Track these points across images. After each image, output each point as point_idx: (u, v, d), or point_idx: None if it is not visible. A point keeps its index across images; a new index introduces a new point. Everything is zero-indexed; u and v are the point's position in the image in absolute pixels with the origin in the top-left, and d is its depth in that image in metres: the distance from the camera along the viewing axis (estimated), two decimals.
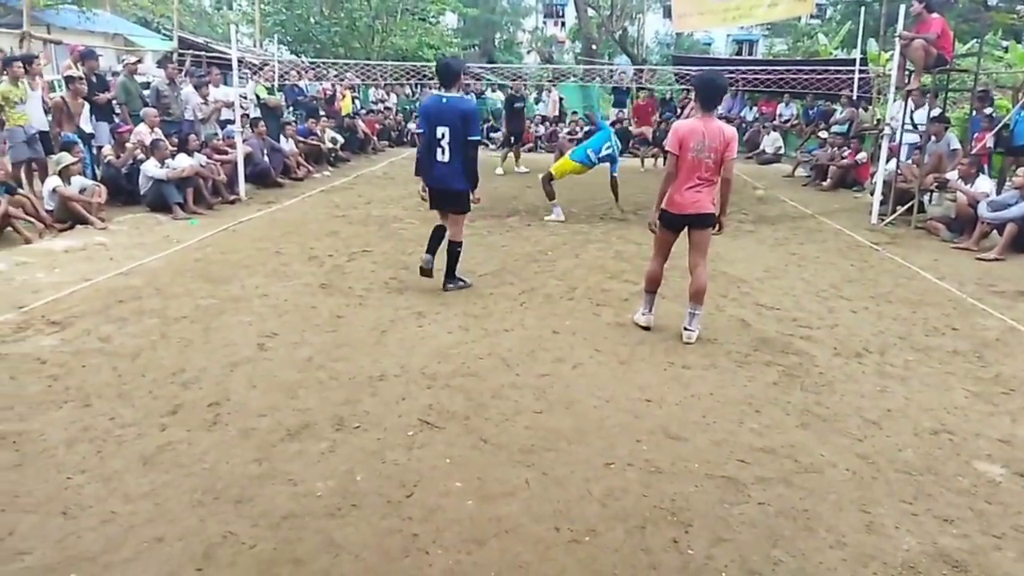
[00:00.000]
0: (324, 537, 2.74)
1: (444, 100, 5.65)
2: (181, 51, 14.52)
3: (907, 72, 8.96)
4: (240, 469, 3.20)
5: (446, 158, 5.63)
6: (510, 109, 14.24)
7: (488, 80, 23.11)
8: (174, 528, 2.79)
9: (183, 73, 12.65)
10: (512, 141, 14.37)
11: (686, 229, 4.89)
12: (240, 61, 11.92)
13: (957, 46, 14.21)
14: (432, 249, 5.97)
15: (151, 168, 8.82)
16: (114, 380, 4.12)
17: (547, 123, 19.79)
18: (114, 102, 10.18)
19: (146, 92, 11.24)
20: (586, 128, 18.56)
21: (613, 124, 18.56)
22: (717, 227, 4.88)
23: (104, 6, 27.14)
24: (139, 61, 11.69)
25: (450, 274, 6.03)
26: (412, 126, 19.33)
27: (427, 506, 2.96)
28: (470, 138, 5.63)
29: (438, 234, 5.97)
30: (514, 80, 16.29)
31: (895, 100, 9.46)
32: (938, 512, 3.00)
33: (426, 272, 5.92)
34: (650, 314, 5.15)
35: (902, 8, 8.84)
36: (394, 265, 6.81)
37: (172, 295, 5.66)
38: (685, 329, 4.91)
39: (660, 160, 14.36)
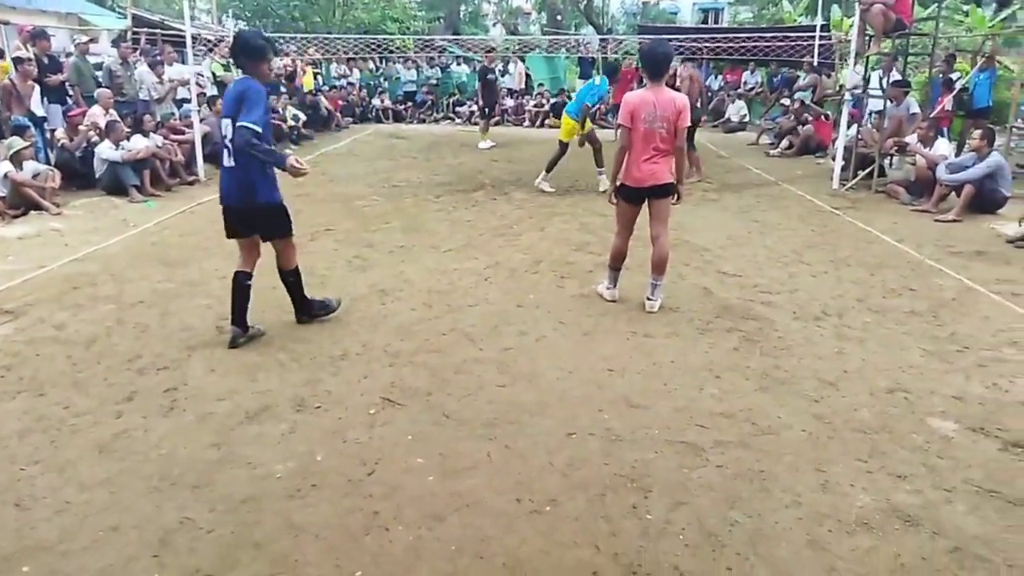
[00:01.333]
0: (284, 519, 2.72)
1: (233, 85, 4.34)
2: (136, 29, 14.12)
3: (867, 37, 9.00)
4: (197, 454, 3.16)
5: (231, 162, 4.19)
6: (484, 81, 14.12)
7: (453, 52, 22.83)
8: (130, 516, 2.75)
9: (137, 52, 12.33)
10: (487, 113, 14.25)
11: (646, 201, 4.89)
12: (195, 38, 11.62)
13: (918, 10, 14.30)
14: (240, 315, 4.33)
15: (106, 150, 8.61)
16: (68, 368, 4.03)
17: (514, 95, 19.63)
18: (67, 84, 9.89)
19: (99, 73, 10.94)
20: (552, 100, 18.50)
21: (558, 94, 18.51)
22: (676, 197, 4.87)
23: None
24: (91, 41, 11.34)
25: (301, 305, 4.69)
26: (376, 102, 19.10)
27: (388, 483, 2.95)
28: (240, 124, 3.96)
29: (242, 290, 4.31)
30: (487, 53, 16.14)
31: (855, 65, 9.50)
32: (892, 469, 3.07)
33: (237, 345, 4.29)
34: (614, 288, 5.15)
35: None
36: (356, 243, 6.74)
37: (128, 280, 5.55)
38: (648, 299, 4.93)
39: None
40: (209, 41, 13.84)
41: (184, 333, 4.52)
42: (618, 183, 4.89)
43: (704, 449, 3.21)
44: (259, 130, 3.98)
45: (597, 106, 9.39)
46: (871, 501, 2.84)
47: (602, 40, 19.99)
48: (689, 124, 4.74)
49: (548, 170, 9.41)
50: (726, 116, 17.04)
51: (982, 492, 2.90)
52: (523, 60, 21.08)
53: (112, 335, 4.52)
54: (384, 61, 20.72)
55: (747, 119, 16.71)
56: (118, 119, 9.15)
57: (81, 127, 9.13)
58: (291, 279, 4.61)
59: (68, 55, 11.93)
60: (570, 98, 18.42)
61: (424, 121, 18.99)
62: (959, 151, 9.77)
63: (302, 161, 4.26)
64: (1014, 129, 10.25)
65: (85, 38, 11.11)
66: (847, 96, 9.09)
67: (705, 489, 2.91)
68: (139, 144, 8.81)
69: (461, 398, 3.70)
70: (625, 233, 5.01)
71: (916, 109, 9.49)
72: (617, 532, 2.66)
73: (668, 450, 3.21)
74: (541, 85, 19.76)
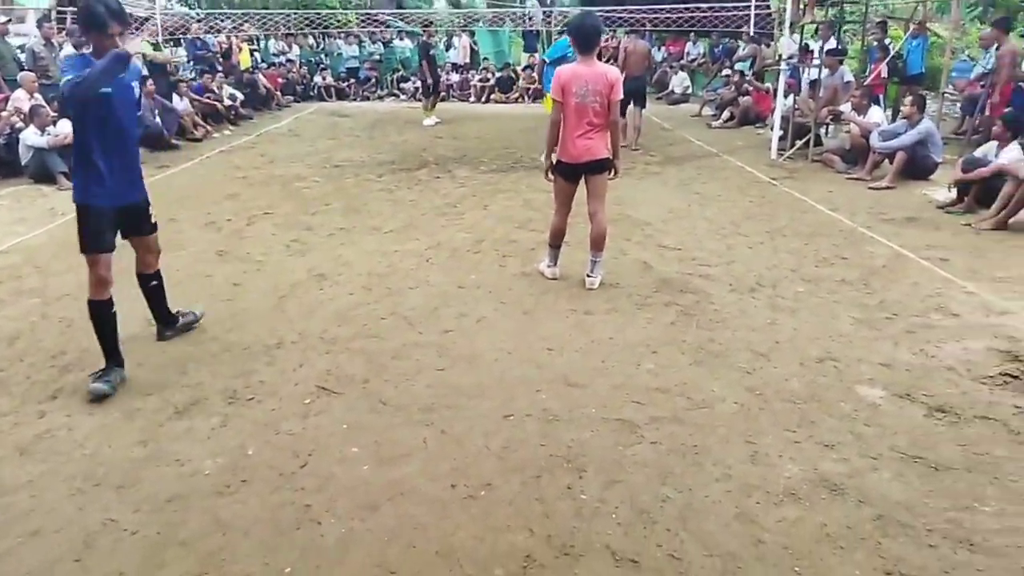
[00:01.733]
0: (212, 516, 2.66)
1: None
2: (60, 9, 13.47)
3: (802, 6, 9.09)
4: (123, 452, 3.06)
5: (117, 153, 3.61)
6: (427, 57, 13.81)
7: (396, 27, 22.39)
8: (52, 519, 2.66)
9: (63, 33, 11.78)
10: (432, 89, 13.98)
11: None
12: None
13: None
14: (112, 358, 3.66)
15: (31, 136, 8.26)
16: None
17: (459, 70, 19.38)
18: None
19: (23, 55, 10.43)
20: (498, 75, 18.33)
21: (525, 68, 18.38)
22: (613, 172, 4.87)
23: None
24: (8, 21, 10.79)
25: (165, 317, 4.14)
26: (318, 79, 18.67)
27: (321, 475, 2.91)
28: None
29: (104, 315, 3.72)
30: (426, 27, 15.85)
31: (791, 35, 9.61)
32: (820, 438, 3.14)
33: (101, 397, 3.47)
34: (555, 267, 5.14)
35: None
36: (295, 226, 6.60)
37: (54, 272, 5.34)
38: (587, 276, 4.94)
39: None
40: (139, 19, 13.29)
41: None
42: (554, 159, 4.85)
43: (639, 426, 3.24)
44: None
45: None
46: (799, 471, 2.90)
47: (546, 12, 19.81)
48: (622, 96, 4.70)
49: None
50: (669, 88, 17.12)
51: (906, 458, 2.98)
52: (471, 34, 20.81)
53: (36, 331, 4.35)
54: (325, 37, 20.22)
55: (690, 91, 16.83)
56: (43, 103, 8.76)
57: (3, 113, 8.71)
58: (156, 282, 4.13)
59: None
60: (516, 73, 18.41)
61: (368, 98, 18.66)
62: (894, 118, 9.98)
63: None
64: (945, 95, 10.50)
65: (3, 18, 10.54)
66: (783, 66, 9.19)
67: (639, 466, 2.94)
68: (65, 129, 8.43)
69: (399, 384, 3.66)
70: (564, 210, 4.97)
71: (850, 77, 9.65)
72: (551, 514, 2.67)
73: (604, 428, 3.23)
74: (486, 59, 19.56)
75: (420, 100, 14.70)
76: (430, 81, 13.78)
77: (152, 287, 4.13)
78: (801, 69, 9.83)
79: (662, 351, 3.99)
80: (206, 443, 3.14)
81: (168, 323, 4.21)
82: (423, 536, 2.56)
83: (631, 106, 10.08)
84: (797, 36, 9.96)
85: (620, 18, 17.47)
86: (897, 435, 3.15)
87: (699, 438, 3.14)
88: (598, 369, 3.79)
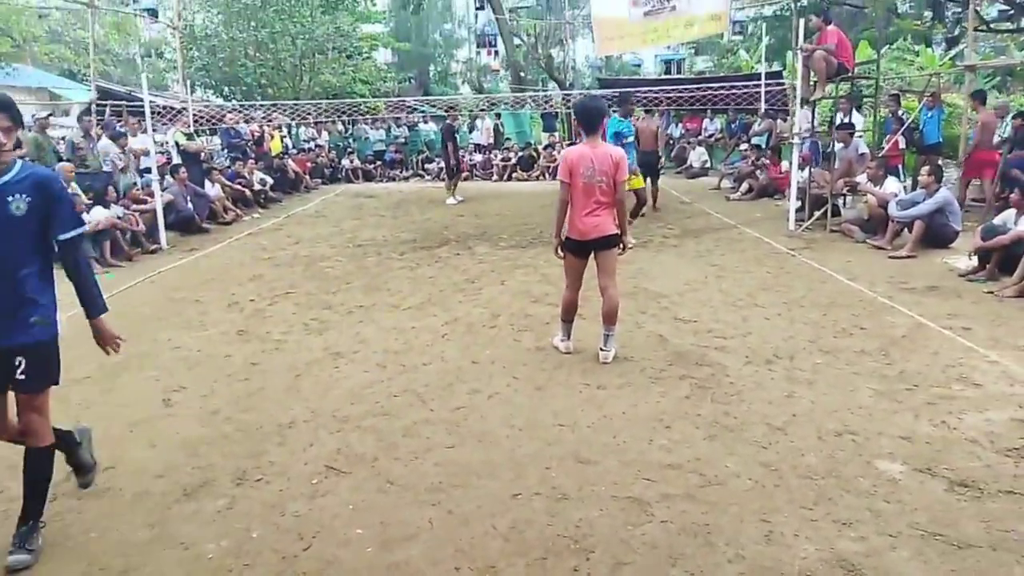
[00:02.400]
0: None
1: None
2: (100, 102, 14.21)
3: (812, 82, 9.26)
4: (130, 536, 3.06)
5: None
6: (451, 139, 14.40)
7: (422, 111, 23.19)
8: None
9: (100, 125, 12.39)
10: (455, 170, 14.46)
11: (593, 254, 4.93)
12: (157, 109, 11.73)
13: (869, 53, 14.82)
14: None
15: None
16: (5, 451, 3.89)
17: (482, 151, 19.91)
18: (26, 159, 9.87)
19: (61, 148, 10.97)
20: (519, 153, 18.79)
21: (546, 148, 18.84)
22: (621, 248, 4.94)
23: (25, 60, 26.54)
24: (50, 115, 11.40)
25: (31, 517, 2.97)
26: (345, 162, 19.27)
27: (324, 558, 2.87)
28: (60, 238, 2.98)
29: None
30: (449, 110, 16.56)
31: (802, 109, 9.76)
32: (837, 516, 3.03)
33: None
34: (568, 341, 5.15)
35: (801, 22, 9.16)
36: (316, 305, 6.70)
37: (75, 356, 5.42)
38: (601, 350, 4.93)
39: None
40: (172, 110, 13.95)
41: (128, 408, 4.42)
42: (563, 237, 4.93)
43: (650, 504, 3.16)
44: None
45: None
46: (815, 551, 2.80)
47: (565, 95, 20.40)
48: (626, 176, 4.88)
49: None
50: (688, 162, 17.37)
51: (927, 536, 2.87)
52: (499, 116, 21.47)
53: (54, 414, 4.39)
54: (352, 123, 20.98)
55: (708, 164, 17.05)
56: (78, 192, 9.14)
57: None
58: (44, 465, 3.06)
59: (30, 129, 11.97)
60: (536, 152, 18.84)
61: (394, 179, 19.15)
62: (914, 186, 9.98)
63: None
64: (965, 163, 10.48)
65: (44, 113, 11.14)
66: (795, 140, 9.30)
67: (648, 547, 2.86)
68: (98, 215, 8.78)
69: (408, 462, 3.63)
70: (574, 286, 5.03)
71: (864, 149, 9.73)
72: None
73: (614, 507, 3.16)
74: (508, 139, 20.10)
75: (443, 180, 15.10)
76: (453, 163, 14.21)
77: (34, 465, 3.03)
78: (817, 142, 9.96)
79: (675, 426, 3.92)
80: (212, 525, 3.12)
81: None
82: None
83: (647, 179, 10.82)
84: (808, 111, 10.11)
85: (640, 98, 17.94)
86: (917, 511, 3.04)
87: (711, 517, 3.05)
88: (609, 445, 3.73)
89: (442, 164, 19.36)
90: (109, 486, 3.49)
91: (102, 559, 2.91)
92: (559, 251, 5.01)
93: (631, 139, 8.89)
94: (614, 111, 9.26)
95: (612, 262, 4.92)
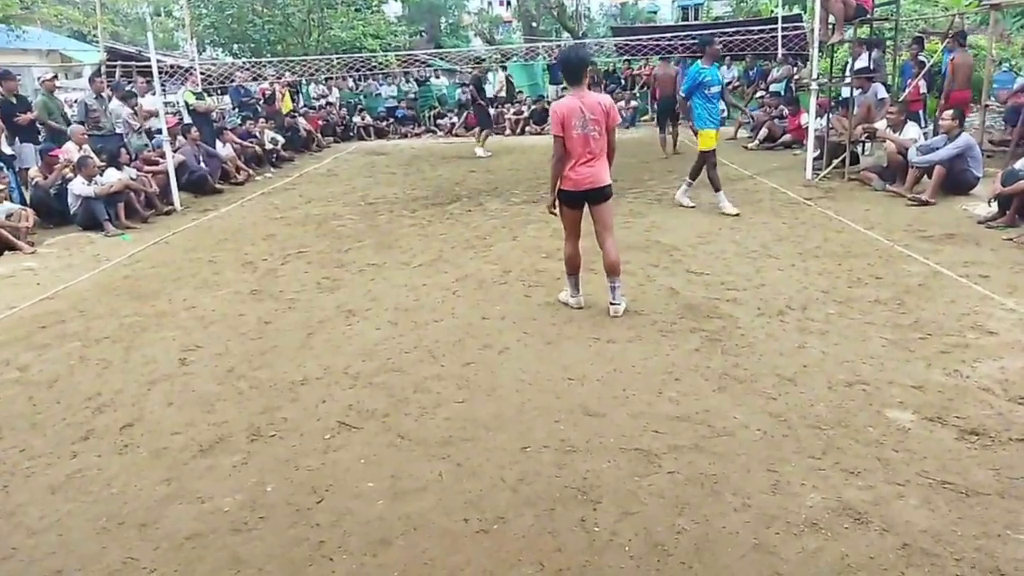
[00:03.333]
0: (228, 553, 2.70)
1: None
2: (110, 63, 14.16)
3: (830, 26, 9.00)
4: (148, 491, 3.14)
5: None
6: (480, 91, 14.52)
7: (435, 65, 22.89)
8: (75, 558, 2.73)
9: (111, 87, 12.35)
10: (487, 123, 14.64)
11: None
12: (166, 68, 11.65)
13: None
14: None
15: (78, 186, 8.61)
16: (28, 410, 4.01)
17: (494, 104, 19.65)
18: (37, 122, 9.90)
19: (75, 108, 10.96)
20: (532, 106, 18.53)
21: (537, 101, 18.64)
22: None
23: (34, 22, 26.38)
24: (55, 77, 11.36)
25: None
26: (357, 119, 19.13)
27: (337, 511, 2.93)
28: None
29: None
30: (478, 63, 16.65)
31: (820, 55, 9.50)
32: (845, 465, 3.04)
33: None
34: (579, 295, 5.12)
35: None
36: (328, 264, 6.72)
37: (96, 316, 5.54)
38: (611, 304, 4.92)
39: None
40: (181, 69, 13.86)
41: (146, 367, 4.49)
42: (558, 190, 4.85)
43: (657, 455, 3.18)
44: None
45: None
46: (821, 500, 2.81)
47: (571, 45, 20.01)
48: (619, 121, 4.94)
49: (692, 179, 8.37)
50: None
51: (935, 484, 2.87)
52: (504, 68, 21.15)
53: (74, 373, 4.50)
54: (363, 78, 20.75)
55: (725, 113, 16.69)
56: (90, 154, 9.16)
57: (56, 165, 9.13)
58: None
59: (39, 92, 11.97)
60: (549, 104, 18.56)
61: (406, 136, 19.01)
62: (935, 132, 9.76)
63: None
64: (987, 107, 10.22)
65: (49, 74, 11.10)
66: (813, 85, 9.08)
67: (655, 497, 2.89)
68: (111, 178, 8.81)
69: (418, 417, 3.68)
70: (573, 238, 4.98)
71: (884, 94, 9.48)
72: (563, 547, 2.63)
73: (621, 458, 3.18)
74: (520, 92, 19.82)
75: (457, 135, 15.15)
76: (481, 115, 14.55)
77: None
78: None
79: (685, 378, 3.93)
80: (227, 480, 3.19)
81: None
82: (433, 571, 2.55)
83: (667, 123, 12.38)
84: (826, 57, 9.83)
85: (654, 46, 17.58)
86: (926, 460, 3.03)
87: (719, 467, 3.07)
88: (618, 398, 3.75)
89: (454, 120, 19.28)
90: (127, 443, 3.56)
91: (122, 512, 2.99)
92: (553, 207, 4.95)
93: (717, 89, 7.70)
94: (697, 56, 8.36)
95: (607, 214, 4.87)
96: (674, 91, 12.13)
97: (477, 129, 14.60)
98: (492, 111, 19.15)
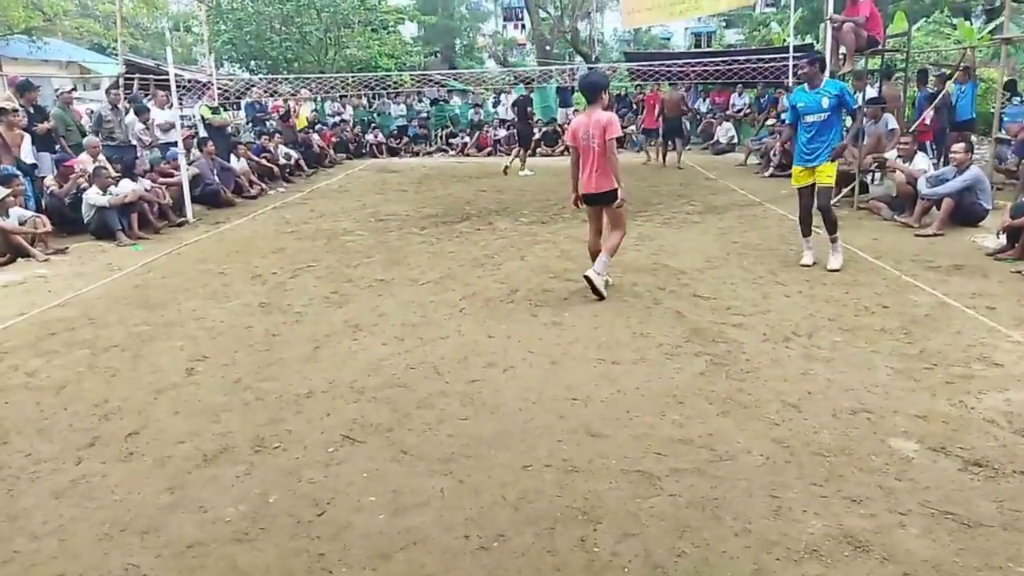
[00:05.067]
0: (228, 563, 2.71)
1: None
2: (128, 75, 14.35)
3: (841, 56, 9.07)
4: (151, 499, 3.15)
5: None
6: (522, 113, 15.37)
7: (449, 86, 23.11)
8: (76, 564, 2.74)
9: (128, 99, 12.53)
10: (526, 142, 15.21)
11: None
12: (183, 82, 11.80)
13: (906, 25, 14.43)
14: None
15: (93, 196, 8.72)
16: (35, 415, 4.05)
17: (506, 126, 19.81)
18: (53, 132, 10.05)
19: (87, 121, 11.12)
20: (544, 128, 18.66)
21: (562, 126, 18.81)
22: (621, 202, 5.68)
23: (56, 34, 26.83)
24: (73, 90, 11.54)
25: None
26: (370, 137, 19.31)
27: (338, 523, 2.94)
28: None
29: None
30: (527, 83, 17.27)
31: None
32: (847, 492, 3.03)
33: None
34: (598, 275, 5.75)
35: None
36: (337, 279, 6.76)
37: (105, 324, 5.59)
38: (594, 270, 5.66)
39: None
40: (199, 84, 14.04)
41: (153, 376, 4.53)
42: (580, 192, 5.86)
43: (659, 478, 3.18)
44: None
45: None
46: (823, 527, 2.80)
47: (590, 68, 20.17)
48: (618, 135, 5.65)
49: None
50: (715, 138, 17.14)
51: (937, 514, 2.86)
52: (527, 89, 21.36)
53: (82, 380, 4.53)
54: (377, 97, 20.97)
55: (735, 140, 16.80)
56: (105, 165, 9.29)
57: (71, 175, 9.26)
58: None
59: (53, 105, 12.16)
60: (561, 128, 18.69)
61: (418, 154, 19.16)
62: (944, 163, 9.76)
63: None
64: (998, 140, 10.23)
65: (68, 87, 11.28)
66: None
67: (656, 519, 2.89)
68: (126, 188, 8.92)
69: (421, 433, 3.69)
70: (592, 230, 5.97)
71: (894, 124, 9.51)
72: (562, 567, 2.63)
73: (623, 480, 3.18)
74: (532, 114, 19.95)
75: (469, 155, 15.43)
76: (521, 135, 15.28)
77: None
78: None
79: (689, 401, 3.93)
80: (230, 490, 3.21)
81: None
82: None
83: (673, 142, 14.48)
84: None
85: (666, 72, 17.73)
86: (929, 490, 3.02)
87: (720, 491, 3.07)
88: (621, 419, 3.75)
89: (466, 139, 19.44)
90: (132, 451, 3.59)
91: (124, 519, 3.01)
92: (577, 203, 5.93)
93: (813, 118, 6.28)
94: (800, 78, 7.03)
95: (612, 215, 5.77)
96: (679, 112, 14.61)
97: (517, 149, 15.18)
98: (504, 133, 19.35)
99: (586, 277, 5.66)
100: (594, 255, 5.84)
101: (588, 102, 5.72)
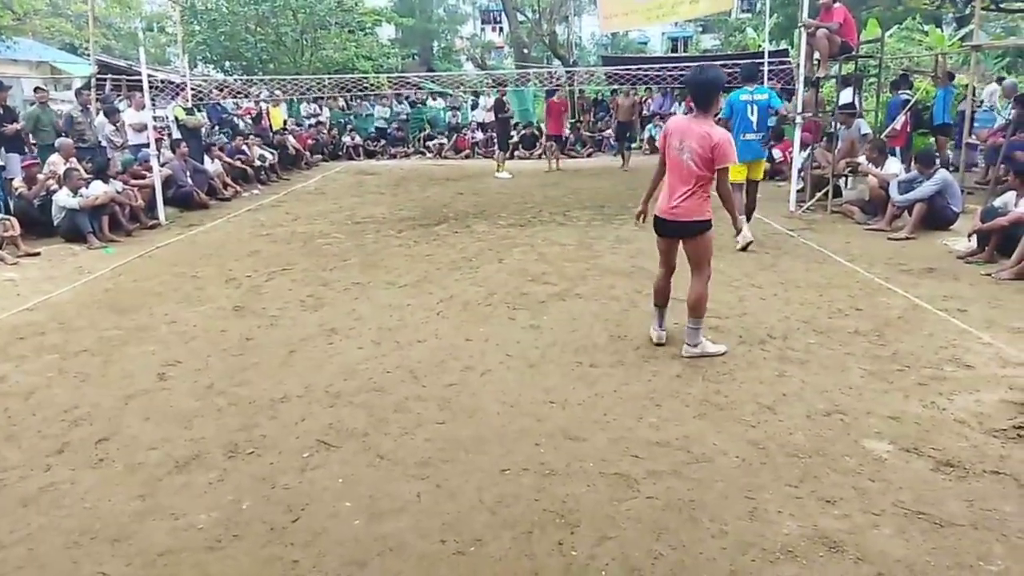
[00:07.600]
0: (200, 571, 2.66)
1: None
2: (100, 77, 14.13)
3: (815, 62, 9.17)
4: (121, 506, 3.09)
5: None
6: (498, 116, 15.28)
7: (427, 88, 23.05)
8: (44, 573, 2.68)
9: (99, 100, 12.36)
10: (505, 145, 15.35)
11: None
12: (155, 83, 11.63)
13: (878, 31, 14.64)
14: None
15: (63, 198, 8.58)
16: (3, 421, 3.96)
17: (484, 129, 19.80)
18: (23, 133, 9.88)
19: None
20: (522, 131, 18.68)
21: (527, 126, 18.86)
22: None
23: (27, 33, 26.35)
24: (48, 91, 11.36)
25: None
26: (347, 139, 19.20)
27: (312, 530, 2.90)
28: None
29: None
30: (501, 87, 17.46)
31: (805, 90, 9.67)
32: (822, 494, 3.05)
33: None
34: (660, 329, 4.80)
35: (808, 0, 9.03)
36: (313, 282, 6.70)
37: (75, 328, 5.49)
38: (685, 344, 4.59)
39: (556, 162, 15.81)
40: (172, 85, 13.87)
41: (124, 381, 4.45)
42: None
43: (636, 480, 3.19)
44: None
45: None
46: (798, 528, 2.82)
47: (568, 72, 20.26)
48: (732, 163, 4.32)
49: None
50: None
51: (910, 514, 2.89)
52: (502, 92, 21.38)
53: (52, 385, 4.45)
54: (354, 99, 20.86)
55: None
56: (76, 167, 9.14)
57: (40, 176, 9.09)
58: None
59: (31, 103, 11.95)
60: (539, 131, 18.70)
61: (395, 157, 19.08)
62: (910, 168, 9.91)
63: None
64: (967, 145, 10.40)
65: (44, 88, 11.11)
66: (798, 120, 9.23)
67: (633, 522, 2.89)
68: (97, 190, 8.77)
69: (398, 437, 3.66)
70: (662, 267, 4.73)
71: (867, 130, 9.65)
72: (540, 571, 2.62)
73: (600, 483, 3.18)
74: (512, 112, 19.97)
75: (446, 157, 15.46)
76: (499, 138, 15.34)
77: None
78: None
79: (665, 404, 3.94)
80: (203, 497, 3.16)
81: None
82: None
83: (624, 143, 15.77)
84: (811, 92, 10.01)
85: (643, 76, 17.85)
86: (902, 490, 3.05)
87: (697, 493, 3.07)
88: (599, 422, 3.75)
89: (443, 141, 19.41)
90: (102, 457, 3.52)
91: (94, 527, 2.95)
92: (639, 219, 4.84)
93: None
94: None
95: (694, 253, 4.51)
96: (631, 116, 16.39)
97: (497, 152, 15.18)
98: (481, 136, 19.33)
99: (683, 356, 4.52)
100: (659, 296, 4.75)
101: (697, 107, 4.40)
